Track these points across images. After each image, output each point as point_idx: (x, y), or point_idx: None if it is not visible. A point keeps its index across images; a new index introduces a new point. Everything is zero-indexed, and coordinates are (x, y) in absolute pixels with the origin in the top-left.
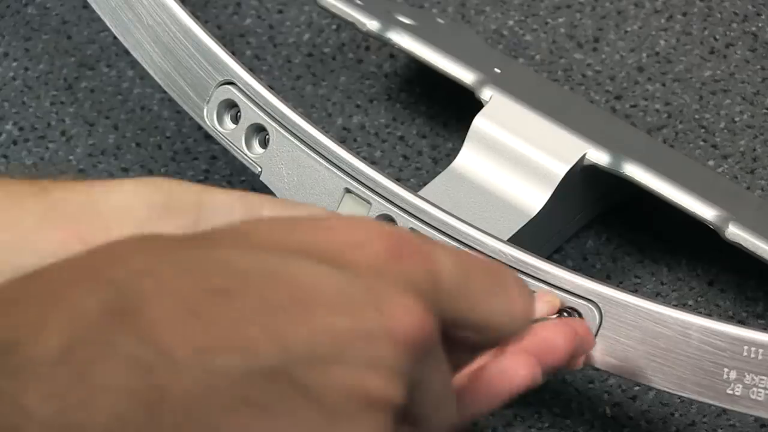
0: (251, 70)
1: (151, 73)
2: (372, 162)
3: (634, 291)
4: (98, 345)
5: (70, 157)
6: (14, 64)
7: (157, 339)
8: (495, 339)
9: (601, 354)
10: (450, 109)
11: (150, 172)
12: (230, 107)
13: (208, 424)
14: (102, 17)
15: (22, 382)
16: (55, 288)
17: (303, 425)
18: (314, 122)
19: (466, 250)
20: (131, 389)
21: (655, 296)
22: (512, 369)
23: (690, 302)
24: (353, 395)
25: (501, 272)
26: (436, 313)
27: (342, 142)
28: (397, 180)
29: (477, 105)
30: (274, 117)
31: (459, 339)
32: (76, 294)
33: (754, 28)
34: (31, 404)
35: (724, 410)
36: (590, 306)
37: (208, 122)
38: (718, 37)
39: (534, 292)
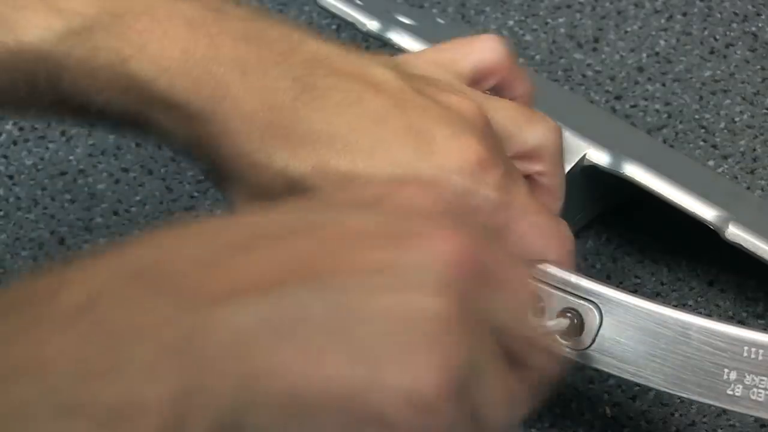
0: None
1: None
2: None
3: (634, 291)
4: (118, 299)
5: (70, 157)
6: None
7: (175, 290)
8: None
9: (601, 354)
10: None
11: (150, 173)
12: None
13: (248, 359)
14: None
15: (43, 332)
16: (76, 261)
17: (357, 350)
18: None
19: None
20: (155, 337)
21: (655, 296)
22: None
23: (690, 302)
24: (403, 315)
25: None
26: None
27: None
28: None
29: None
30: None
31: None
32: (97, 262)
33: (754, 28)
34: (51, 353)
35: (724, 410)
36: (590, 306)
37: None
38: (718, 37)
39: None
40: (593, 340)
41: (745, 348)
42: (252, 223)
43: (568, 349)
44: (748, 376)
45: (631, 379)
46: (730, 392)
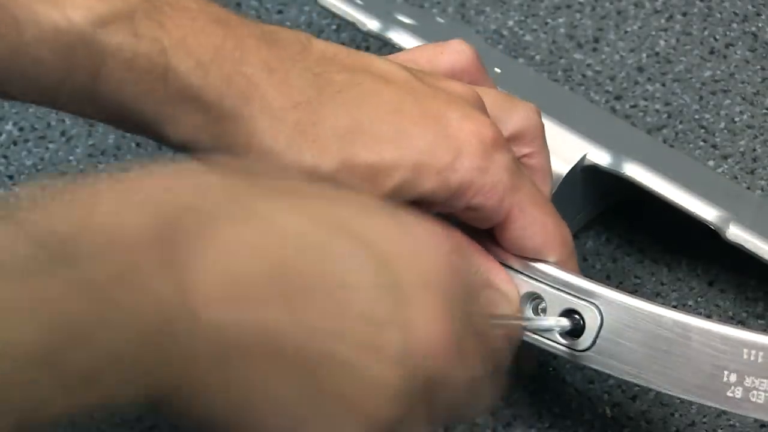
0: None
1: None
2: None
3: (634, 291)
4: (111, 249)
5: (70, 158)
6: None
7: (188, 289)
8: None
9: (601, 356)
10: None
11: None
12: None
13: (221, 369)
14: None
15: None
16: (108, 198)
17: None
18: None
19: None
20: (144, 320)
21: (655, 296)
22: None
23: (690, 302)
24: (358, 375)
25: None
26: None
27: None
28: None
29: None
30: None
31: None
32: (127, 212)
33: (754, 28)
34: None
35: (724, 411)
36: (591, 307)
37: None
38: (718, 37)
39: None
40: (594, 342)
41: (745, 350)
42: (279, 237)
43: (568, 350)
44: (748, 378)
45: (632, 380)
46: (730, 394)
